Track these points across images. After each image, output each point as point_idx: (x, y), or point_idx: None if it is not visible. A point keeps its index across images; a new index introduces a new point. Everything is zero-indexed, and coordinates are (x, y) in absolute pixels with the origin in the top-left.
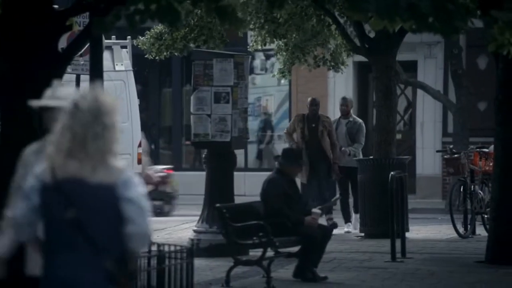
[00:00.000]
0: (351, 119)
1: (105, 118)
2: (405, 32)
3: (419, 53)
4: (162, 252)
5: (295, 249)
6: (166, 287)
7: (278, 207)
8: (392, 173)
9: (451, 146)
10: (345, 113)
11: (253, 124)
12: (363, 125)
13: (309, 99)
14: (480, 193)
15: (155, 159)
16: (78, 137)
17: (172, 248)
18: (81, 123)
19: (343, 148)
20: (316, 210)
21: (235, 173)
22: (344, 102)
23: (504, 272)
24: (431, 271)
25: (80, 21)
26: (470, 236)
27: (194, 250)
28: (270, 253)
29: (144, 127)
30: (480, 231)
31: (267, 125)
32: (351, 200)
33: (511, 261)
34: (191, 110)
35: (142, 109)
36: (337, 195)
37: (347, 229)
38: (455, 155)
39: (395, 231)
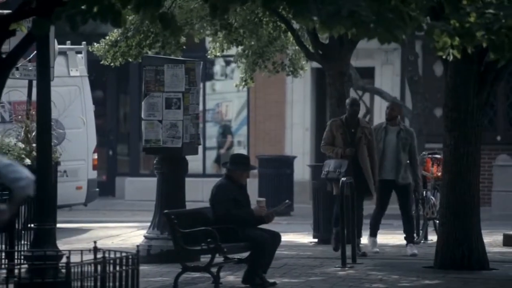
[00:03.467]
0: (402, 126)
1: None
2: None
3: (376, 59)
4: (106, 259)
5: (246, 255)
6: None
7: (225, 210)
8: (343, 178)
9: None
10: (391, 118)
11: (213, 130)
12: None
13: (348, 99)
14: (432, 198)
15: (113, 165)
16: None
17: (118, 255)
18: None
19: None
20: (259, 198)
21: (193, 179)
22: (390, 105)
23: (452, 277)
24: (380, 276)
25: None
26: (422, 241)
27: (139, 256)
28: (219, 259)
29: (102, 133)
30: (433, 236)
31: (226, 131)
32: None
33: (459, 266)
34: (142, 115)
35: (100, 115)
36: (287, 201)
37: (373, 247)
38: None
39: (345, 237)
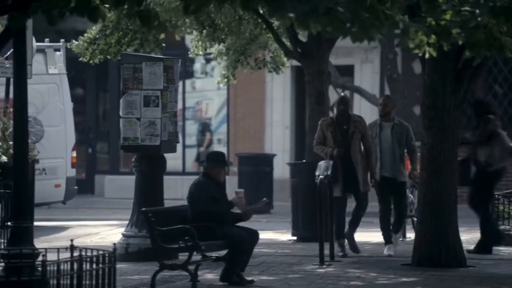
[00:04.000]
0: (396, 121)
1: None
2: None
3: (356, 57)
4: (82, 257)
5: (224, 252)
6: None
7: (203, 208)
8: (321, 176)
9: None
10: (384, 114)
11: (192, 128)
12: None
13: (337, 97)
14: (410, 196)
15: (93, 163)
16: None
17: (95, 253)
18: None
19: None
20: (238, 189)
21: (172, 177)
22: (384, 100)
23: (429, 275)
24: (358, 274)
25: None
26: (400, 239)
27: (117, 254)
28: (197, 257)
29: (81, 131)
30: (411, 234)
31: (206, 128)
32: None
33: (437, 263)
34: (120, 113)
35: (79, 113)
36: (264, 199)
37: (388, 251)
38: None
39: (323, 235)
